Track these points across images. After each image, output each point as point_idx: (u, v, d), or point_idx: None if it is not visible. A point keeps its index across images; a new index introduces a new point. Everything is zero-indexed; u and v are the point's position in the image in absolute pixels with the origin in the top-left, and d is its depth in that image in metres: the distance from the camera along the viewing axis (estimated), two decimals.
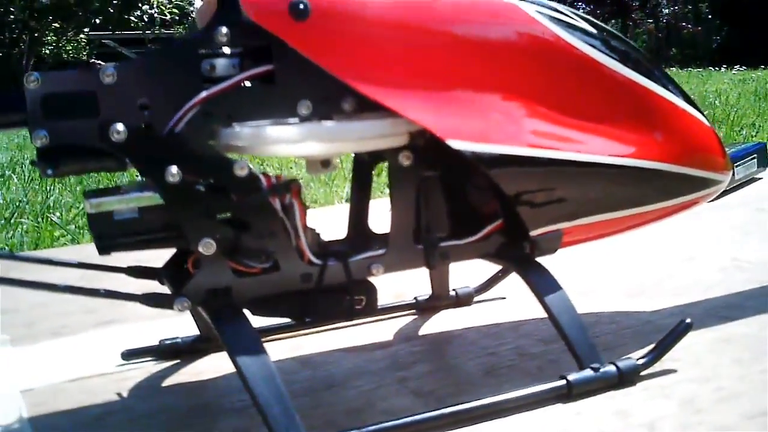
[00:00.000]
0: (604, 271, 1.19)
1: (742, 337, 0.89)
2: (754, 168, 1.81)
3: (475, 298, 1.07)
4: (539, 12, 0.81)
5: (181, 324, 0.95)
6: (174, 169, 0.67)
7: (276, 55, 0.70)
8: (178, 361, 0.91)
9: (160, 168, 0.67)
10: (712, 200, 0.96)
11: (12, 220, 1.92)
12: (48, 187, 2.28)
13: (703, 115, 0.92)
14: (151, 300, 0.71)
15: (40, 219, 1.92)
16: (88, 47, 9.97)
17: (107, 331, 1.04)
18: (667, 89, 0.88)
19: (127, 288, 0.76)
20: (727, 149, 1.02)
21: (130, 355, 0.92)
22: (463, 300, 1.06)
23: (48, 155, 0.66)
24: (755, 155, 1.80)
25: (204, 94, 0.69)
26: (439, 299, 1.04)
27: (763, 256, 1.21)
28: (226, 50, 0.70)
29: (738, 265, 1.18)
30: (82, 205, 2.04)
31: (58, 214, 1.97)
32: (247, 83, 0.71)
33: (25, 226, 1.86)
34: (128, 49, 10.31)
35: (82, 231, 1.81)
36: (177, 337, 0.93)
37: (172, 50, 0.70)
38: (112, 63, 0.67)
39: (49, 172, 0.66)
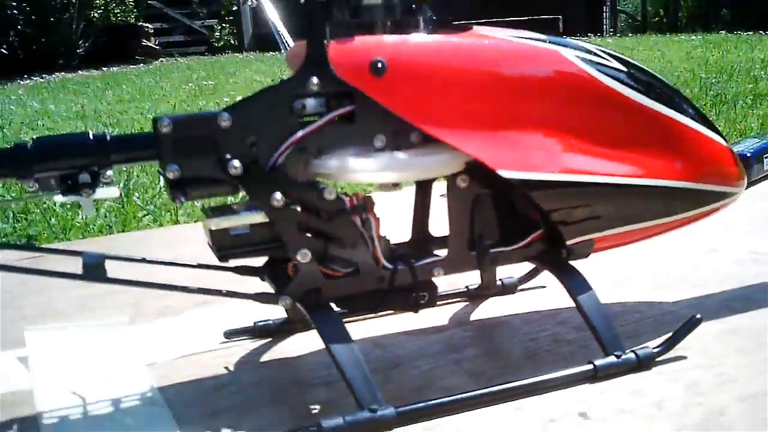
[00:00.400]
0: (633, 264, 1.33)
1: (746, 328, 1.04)
2: None
3: (519, 287, 1.23)
4: (577, 56, 0.95)
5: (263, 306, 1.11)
6: (278, 195, 0.84)
7: (357, 100, 0.86)
8: (270, 339, 1.10)
9: (267, 194, 0.84)
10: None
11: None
12: (127, 169, 2.48)
13: (720, 134, 1.06)
14: (261, 298, 0.90)
15: (123, 199, 2.11)
16: (135, 10, 10.19)
17: (206, 311, 1.22)
18: (688, 115, 1.02)
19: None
20: (759, 139, 1.16)
21: (230, 334, 1.11)
22: (509, 289, 1.23)
23: (178, 185, 0.84)
24: None
25: (301, 133, 0.85)
26: (488, 288, 1.21)
27: None
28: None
29: (755, 258, 1.32)
30: (158, 186, 2.24)
31: (137, 194, 2.17)
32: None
33: (107, 207, 2.06)
34: (173, 10, 10.50)
35: (161, 211, 2.01)
36: (269, 319, 1.11)
37: (272, 95, 0.86)
38: (227, 108, 0.84)
39: (182, 199, 0.84)
